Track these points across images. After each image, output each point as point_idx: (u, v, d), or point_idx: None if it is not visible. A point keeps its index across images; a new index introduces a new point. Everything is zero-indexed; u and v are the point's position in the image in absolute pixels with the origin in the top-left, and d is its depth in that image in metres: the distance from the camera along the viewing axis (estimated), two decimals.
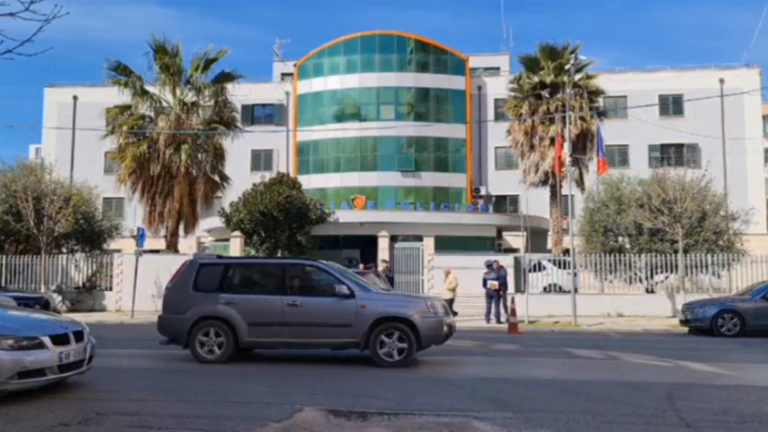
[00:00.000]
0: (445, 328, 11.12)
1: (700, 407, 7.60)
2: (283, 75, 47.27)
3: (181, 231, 28.64)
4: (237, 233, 27.07)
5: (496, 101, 41.06)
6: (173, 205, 27.59)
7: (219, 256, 13.32)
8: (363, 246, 30.82)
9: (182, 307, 11.33)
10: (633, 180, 26.09)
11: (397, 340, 10.72)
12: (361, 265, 25.19)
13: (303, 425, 6.64)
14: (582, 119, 28.63)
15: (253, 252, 27.00)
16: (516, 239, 34.36)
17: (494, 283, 21.15)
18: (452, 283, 21.52)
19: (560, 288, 24.52)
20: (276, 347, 11.63)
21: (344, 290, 10.96)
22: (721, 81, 39.97)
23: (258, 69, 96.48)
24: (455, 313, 17.03)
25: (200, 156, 28.46)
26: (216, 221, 31.18)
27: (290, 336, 11.03)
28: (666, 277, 24.49)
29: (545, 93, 29.81)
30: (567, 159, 23.28)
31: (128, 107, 28.65)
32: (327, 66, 42.55)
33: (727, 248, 24.23)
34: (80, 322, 9.11)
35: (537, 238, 34.82)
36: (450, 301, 20.05)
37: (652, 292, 24.56)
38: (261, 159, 42.68)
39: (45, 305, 13.47)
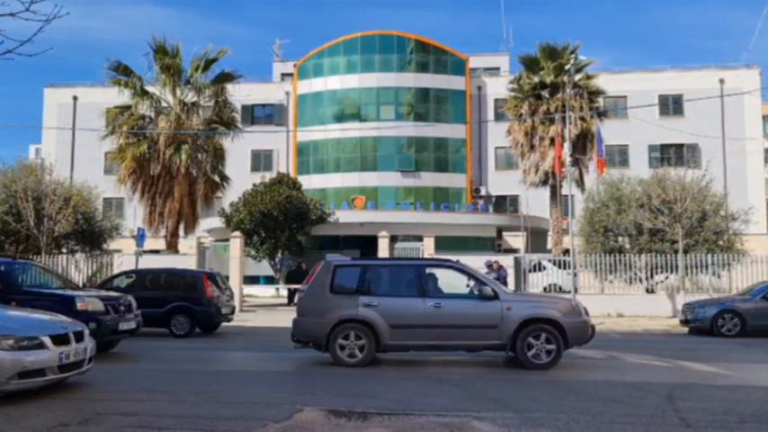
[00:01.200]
0: (589, 330, 11.09)
1: (700, 407, 7.59)
2: (283, 75, 47.32)
3: (181, 231, 28.64)
4: (237, 233, 27.10)
5: (496, 101, 41.08)
6: (173, 205, 27.58)
7: (353, 258, 12.86)
8: (363, 246, 30.81)
9: (319, 310, 10.97)
10: (633, 180, 26.04)
11: (545, 342, 10.58)
12: None
13: (303, 425, 6.64)
14: (582, 119, 28.60)
15: (253, 252, 27.00)
16: (516, 239, 34.37)
17: None
18: None
19: (560, 288, 24.48)
20: (417, 350, 11.40)
21: (489, 291, 10.75)
22: (721, 81, 39.99)
23: (258, 69, 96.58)
24: None
25: (200, 156, 28.46)
26: (216, 222, 31.19)
27: (434, 338, 10.79)
28: (666, 277, 24.46)
29: (545, 93, 29.77)
30: (567, 159, 23.28)
31: (128, 107, 28.65)
32: (327, 66, 42.55)
33: (727, 248, 24.19)
34: (80, 322, 9.10)
35: (537, 239, 34.85)
36: None
37: (652, 292, 24.53)
38: (261, 159, 42.68)
39: (129, 307, 12.70)
